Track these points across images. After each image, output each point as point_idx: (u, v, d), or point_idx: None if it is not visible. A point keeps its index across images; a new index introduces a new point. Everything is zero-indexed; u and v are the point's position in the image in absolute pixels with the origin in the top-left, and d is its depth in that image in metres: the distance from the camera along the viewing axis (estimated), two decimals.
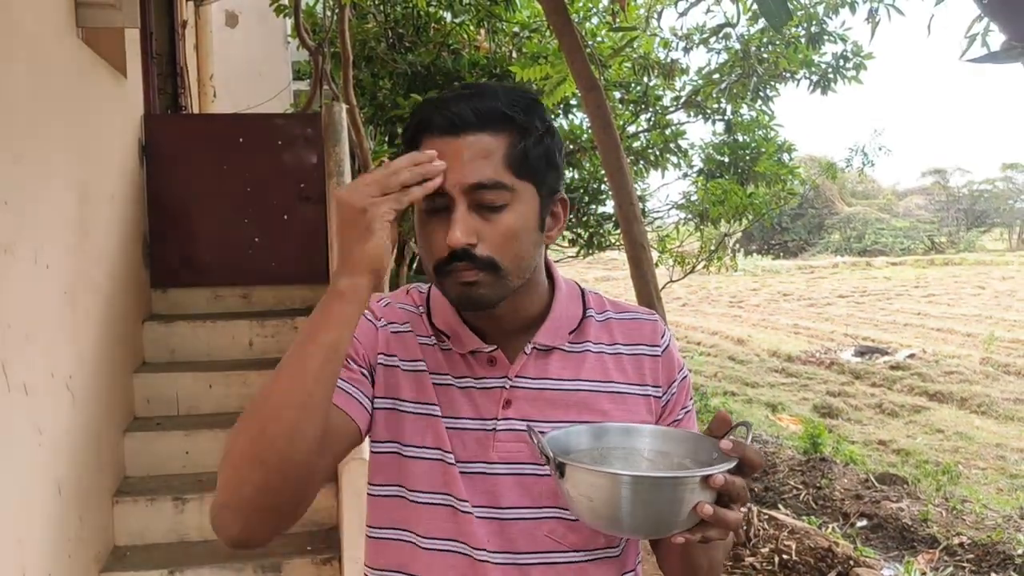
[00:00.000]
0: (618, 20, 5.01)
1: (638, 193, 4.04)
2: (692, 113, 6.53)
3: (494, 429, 1.03)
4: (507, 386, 1.04)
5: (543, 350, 1.06)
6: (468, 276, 0.96)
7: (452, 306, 1.06)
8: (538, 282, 1.06)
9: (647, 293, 3.17)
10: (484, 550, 1.01)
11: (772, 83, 5.88)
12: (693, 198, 7.02)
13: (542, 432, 0.95)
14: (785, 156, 6.76)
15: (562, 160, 1.05)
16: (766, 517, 4.43)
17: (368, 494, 1.09)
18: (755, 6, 4.52)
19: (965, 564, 4.36)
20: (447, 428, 1.03)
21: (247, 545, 0.92)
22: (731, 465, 0.87)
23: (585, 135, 6.13)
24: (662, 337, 1.11)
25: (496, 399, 1.04)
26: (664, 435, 1.00)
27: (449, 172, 0.95)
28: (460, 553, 1.02)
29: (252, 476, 0.88)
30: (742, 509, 0.90)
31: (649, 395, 1.08)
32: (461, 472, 1.02)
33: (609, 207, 6.72)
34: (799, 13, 5.26)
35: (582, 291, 1.13)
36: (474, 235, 0.95)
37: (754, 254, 28.74)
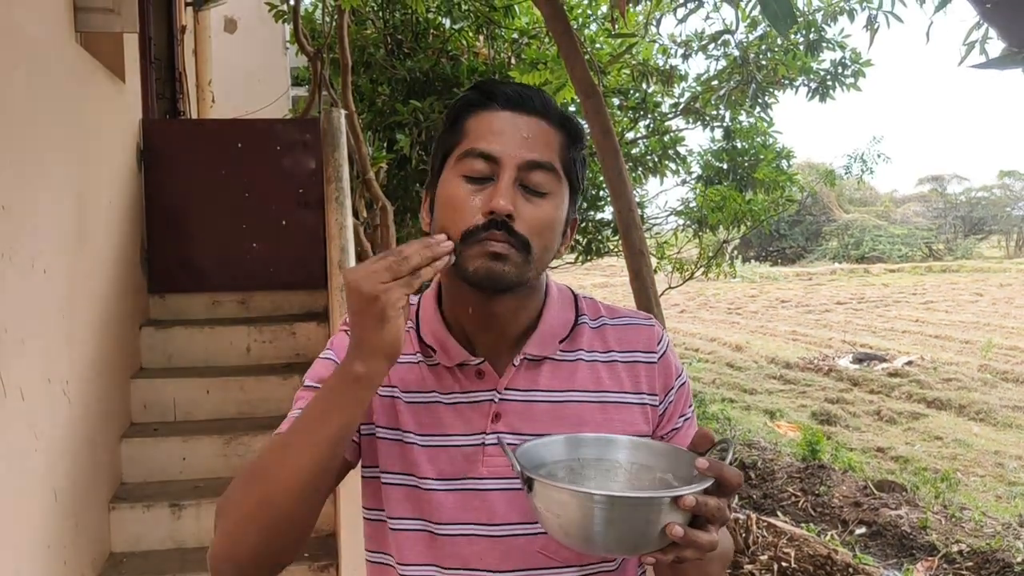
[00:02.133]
0: (617, 26, 5.02)
1: (636, 199, 4.04)
2: (691, 120, 6.53)
3: (483, 444, 1.00)
4: (496, 399, 1.02)
5: (533, 360, 1.03)
6: (500, 248, 0.93)
7: (441, 317, 1.05)
8: (539, 289, 1.05)
9: (646, 300, 3.16)
10: (467, 570, 0.99)
11: (771, 90, 5.88)
12: (692, 204, 7.02)
13: (514, 444, 0.95)
14: (784, 163, 6.76)
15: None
16: (765, 524, 4.42)
17: (363, 518, 1.09)
18: (754, 12, 4.53)
19: (964, 572, 4.35)
20: (429, 447, 1.01)
21: None
22: (704, 485, 0.83)
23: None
24: (659, 343, 1.08)
25: (485, 413, 1.01)
26: (643, 447, 0.96)
27: (504, 144, 0.95)
28: None
29: (254, 536, 0.90)
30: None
31: (645, 403, 1.05)
32: (449, 491, 1.00)
33: (607, 213, 6.72)
34: (799, 20, 5.27)
35: (575, 297, 1.10)
36: (515, 209, 0.94)
37: (752, 261, 28.75)
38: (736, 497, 5.42)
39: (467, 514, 1.00)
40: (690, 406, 1.09)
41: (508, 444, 0.94)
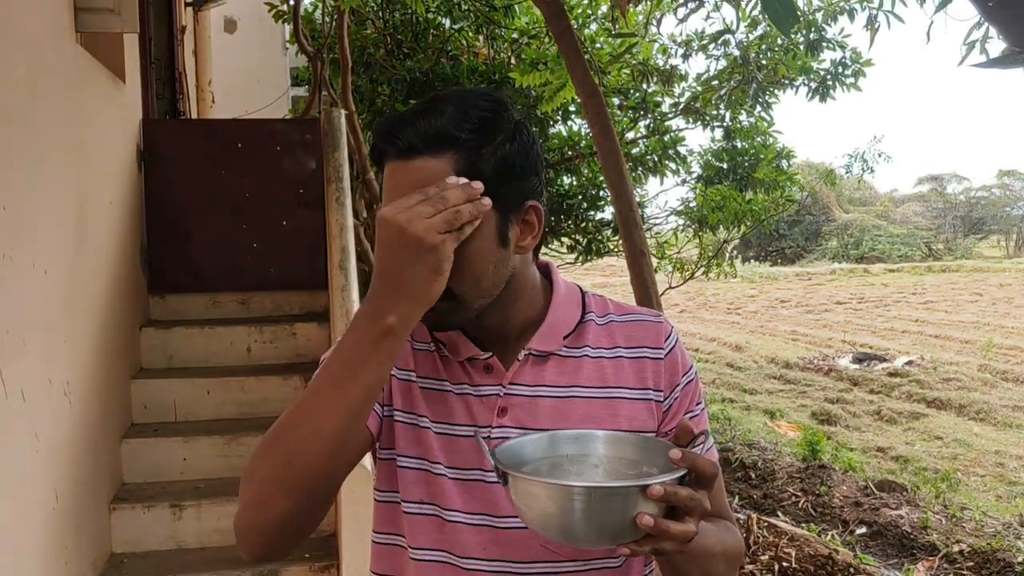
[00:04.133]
0: (617, 26, 5.01)
1: (636, 199, 4.03)
2: (691, 119, 6.53)
3: (488, 437, 1.01)
4: (502, 393, 1.02)
5: (539, 356, 1.04)
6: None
7: None
8: (527, 290, 1.04)
9: (647, 299, 3.16)
10: (473, 559, 1.00)
11: (771, 89, 5.88)
12: (692, 204, 7.02)
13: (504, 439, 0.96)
14: (784, 163, 6.76)
15: (533, 165, 0.99)
16: (765, 524, 4.42)
17: (374, 499, 1.09)
18: (755, 12, 4.53)
19: (965, 572, 4.35)
20: (442, 435, 1.02)
21: (269, 560, 0.95)
22: (676, 476, 0.83)
23: (584, 141, 6.13)
24: (666, 339, 1.08)
25: (492, 407, 1.02)
26: (624, 441, 0.97)
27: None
28: (446, 563, 1.01)
29: (280, 503, 0.88)
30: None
31: (650, 399, 1.05)
32: (457, 480, 1.01)
33: (607, 213, 6.72)
34: (800, 19, 5.26)
35: (583, 295, 1.11)
36: None
37: (752, 261, 28.76)
38: (736, 497, 5.41)
39: (473, 504, 1.01)
40: (698, 404, 1.09)
41: (502, 439, 0.95)
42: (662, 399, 1.06)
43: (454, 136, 0.93)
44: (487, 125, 0.95)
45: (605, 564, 1.02)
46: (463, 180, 0.90)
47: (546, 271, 1.10)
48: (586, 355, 1.06)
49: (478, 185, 0.90)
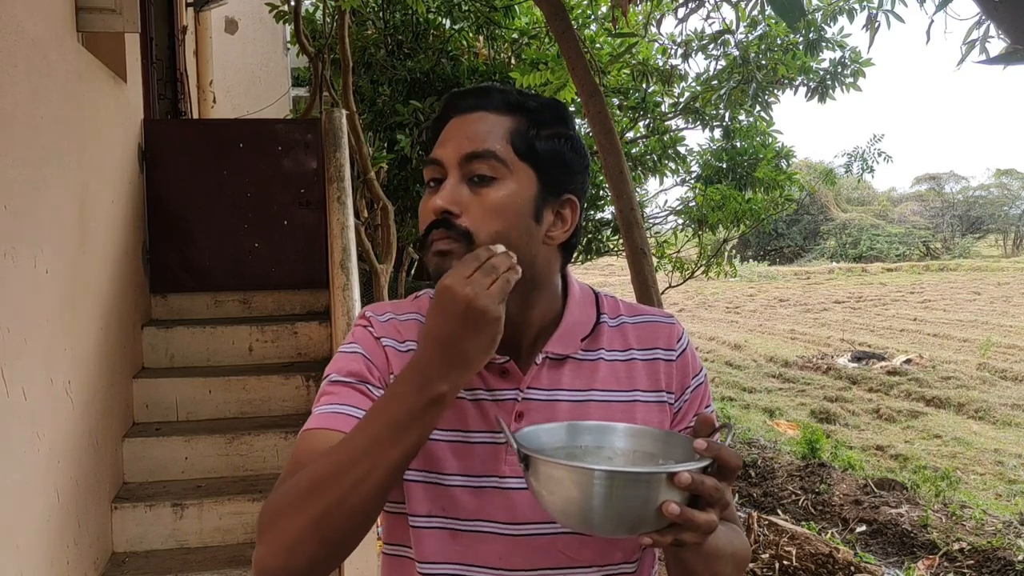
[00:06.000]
0: (617, 26, 5.01)
1: (636, 199, 4.03)
2: (690, 119, 6.53)
3: (506, 442, 0.98)
4: (519, 398, 1.01)
5: (556, 359, 1.03)
6: (442, 244, 0.95)
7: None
8: (548, 289, 1.04)
9: (648, 298, 3.16)
10: (490, 568, 0.99)
11: (771, 89, 5.88)
12: (691, 204, 7.02)
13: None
14: (783, 162, 6.76)
15: (581, 167, 1.04)
16: (766, 523, 4.43)
17: (384, 509, 1.07)
18: (753, 12, 4.53)
19: (965, 570, 4.36)
20: (454, 443, 1.00)
21: None
22: (701, 465, 0.82)
23: (584, 140, 6.13)
24: (678, 341, 1.08)
25: (509, 411, 1.01)
26: (643, 434, 0.96)
27: (447, 146, 0.98)
28: (456, 575, 1.00)
29: (311, 549, 0.87)
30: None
31: (664, 401, 1.05)
32: (472, 487, 0.99)
33: (607, 213, 6.73)
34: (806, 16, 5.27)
35: (596, 296, 1.10)
36: (457, 205, 0.95)
37: (750, 260, 28.77)
38: (736, 495, 5.41)
39: (488, 512, 0.99)
40: (708, 406, 1.09)
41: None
42: (673, 401, 1.06)
43: (520, 102, 1.00)
44: (553, 109, 1.02)
45: (622, 569, 1.01)
46: (502, 248, 0.90)
47: (562, 276, 1.09)
48: (601, 358, 1.05)
49: (513, 254, 0.90)
